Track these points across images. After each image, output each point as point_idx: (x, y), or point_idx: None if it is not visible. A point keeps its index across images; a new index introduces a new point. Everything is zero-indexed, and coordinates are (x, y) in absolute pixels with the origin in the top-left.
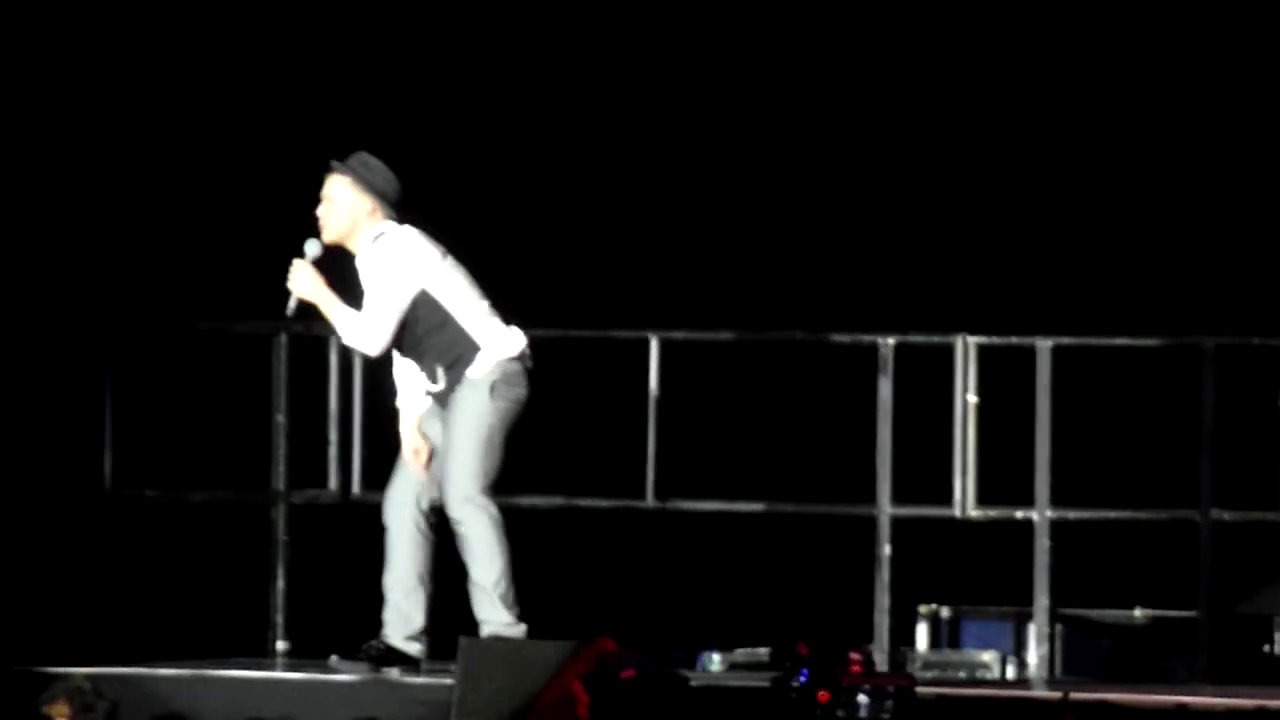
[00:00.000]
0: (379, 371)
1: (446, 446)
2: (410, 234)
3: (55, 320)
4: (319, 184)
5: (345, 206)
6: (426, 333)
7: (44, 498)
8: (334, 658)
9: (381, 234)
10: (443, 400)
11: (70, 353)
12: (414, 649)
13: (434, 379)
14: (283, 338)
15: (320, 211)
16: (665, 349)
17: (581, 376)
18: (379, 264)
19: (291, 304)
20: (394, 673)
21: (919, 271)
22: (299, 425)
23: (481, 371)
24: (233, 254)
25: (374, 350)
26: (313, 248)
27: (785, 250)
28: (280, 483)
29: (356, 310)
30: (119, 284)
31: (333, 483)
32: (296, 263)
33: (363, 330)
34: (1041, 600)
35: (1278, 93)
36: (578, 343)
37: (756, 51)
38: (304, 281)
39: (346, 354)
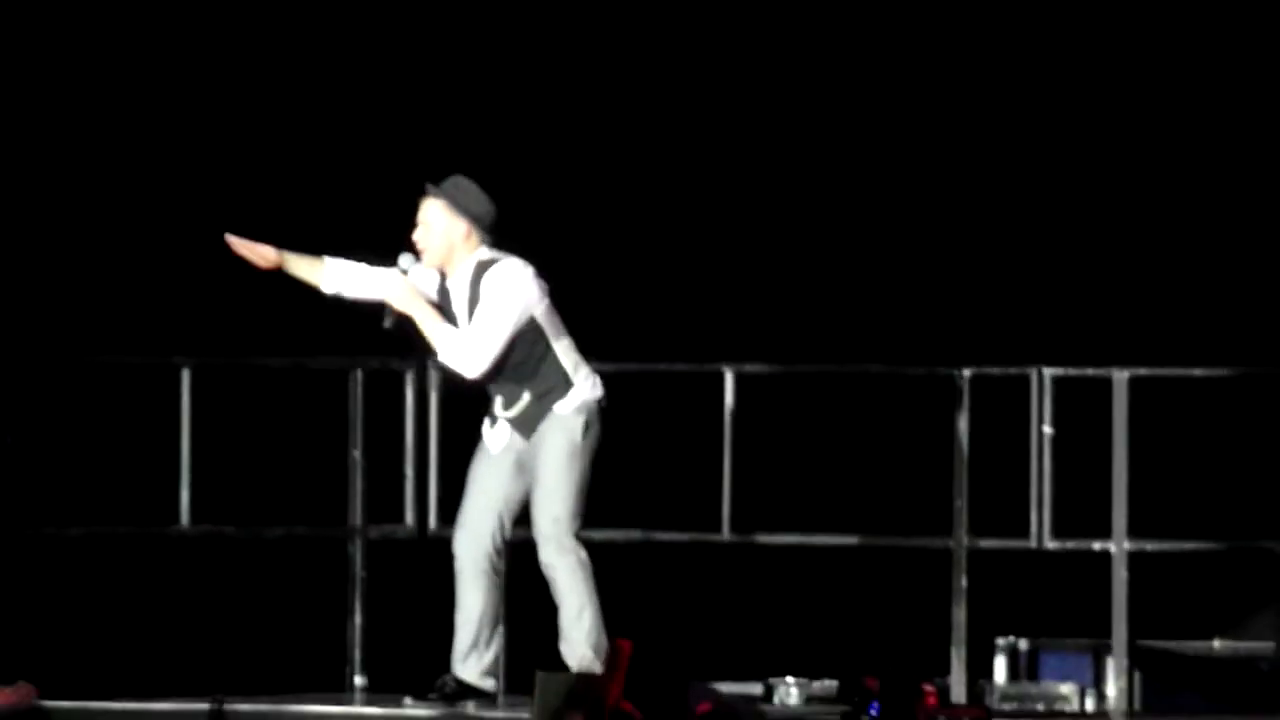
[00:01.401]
0: (456, 406)
1: (538, 487)
2: (524, 265)
3: (129, 358)
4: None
5: (440, 230)
6: (524, 361)
7: (120, 533)
8: (407, 699)
9: (495, 260)
10: (522, 428)
11: (146, 390)
12: (488, 684)
13: (512, 404)
14: (359, 373)
15: (416, 236)
16: (740, 382)
17: (657, 410)
18: (495, 289)
19: (389, 318)
20: (469, 708)
21: (995, 304)
22: (375, 461)
23: (571, 408)
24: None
25: (476, 371)
26: (407, 261)
27: (861, 282)
28: (357, 518)
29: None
30: (191, 320)
31: (409, 518)
32: (393, 270)
33: (468, 350)
34: (1120, 632)
35: None
36: (653, 376)
37: (831, 92)
38: (400, 295)
39: (423, 389)
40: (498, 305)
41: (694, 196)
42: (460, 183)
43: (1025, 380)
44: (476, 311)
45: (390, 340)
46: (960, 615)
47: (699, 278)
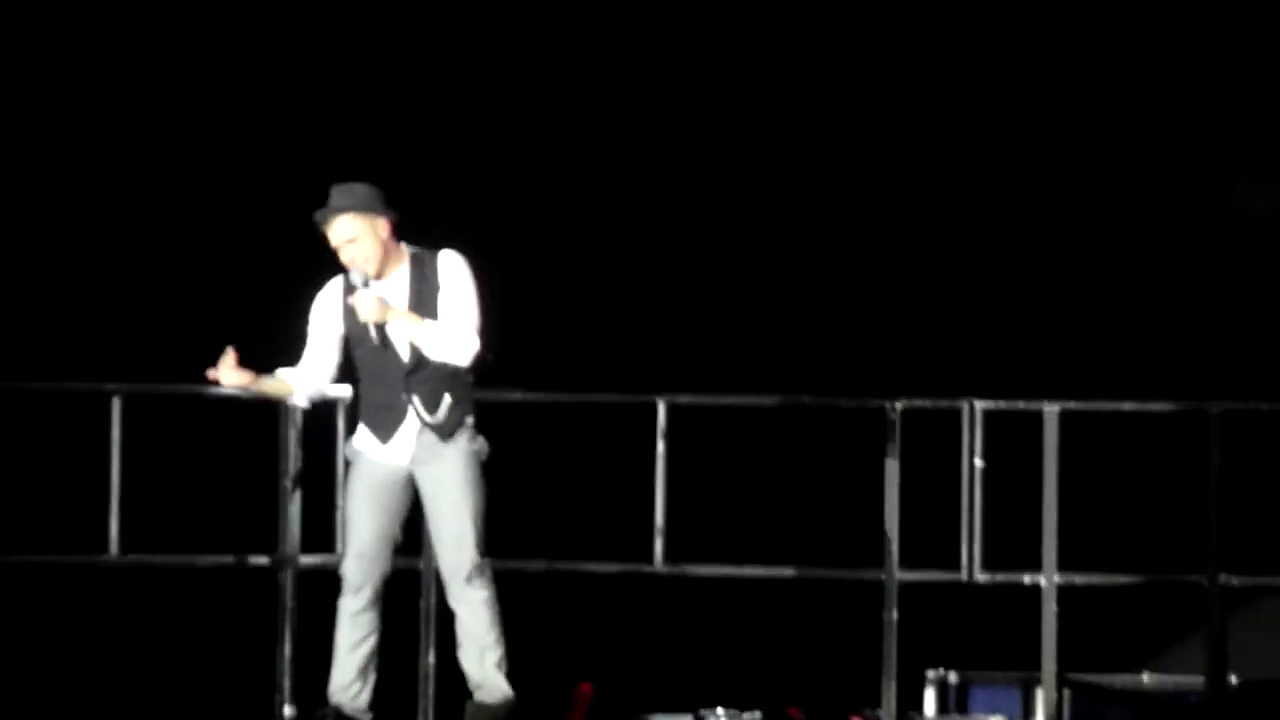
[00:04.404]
0: None
1: (451, 510)
2: None
3: (60, 385)
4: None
5: (370, 238)
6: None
7: (49, 562)
8: None
9: (433, 251)
10: (442, 432)
11: (74, 418)
12: (367, 718)
13: (434, 409)
14: (290, 401)
15: (349, 257)
16: (672, 413)
17: (589, 440)
18: (461, 275)
19: (374, 334)
20: None
21: (926, 337)
22: (307, 490)
23: (471, 426)
24: (240, 318)
25: (472, 357)
26: (360, 278)
27: (793, 315)
28: (288, 547)
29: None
30: (121, 345)
31: (340, 547)
32: (361, 293)
33: (463, 338)
34: (1049, 665)
35: None
36: (586, 407)
37: (762, 120)
38: (377, 307)
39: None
40: (470, 290)
41: (628, 228)
42: (353, 188)
43: (956, 413)
44: (451, 299)
45: None
46: (891, 647)
47: (633, 309)
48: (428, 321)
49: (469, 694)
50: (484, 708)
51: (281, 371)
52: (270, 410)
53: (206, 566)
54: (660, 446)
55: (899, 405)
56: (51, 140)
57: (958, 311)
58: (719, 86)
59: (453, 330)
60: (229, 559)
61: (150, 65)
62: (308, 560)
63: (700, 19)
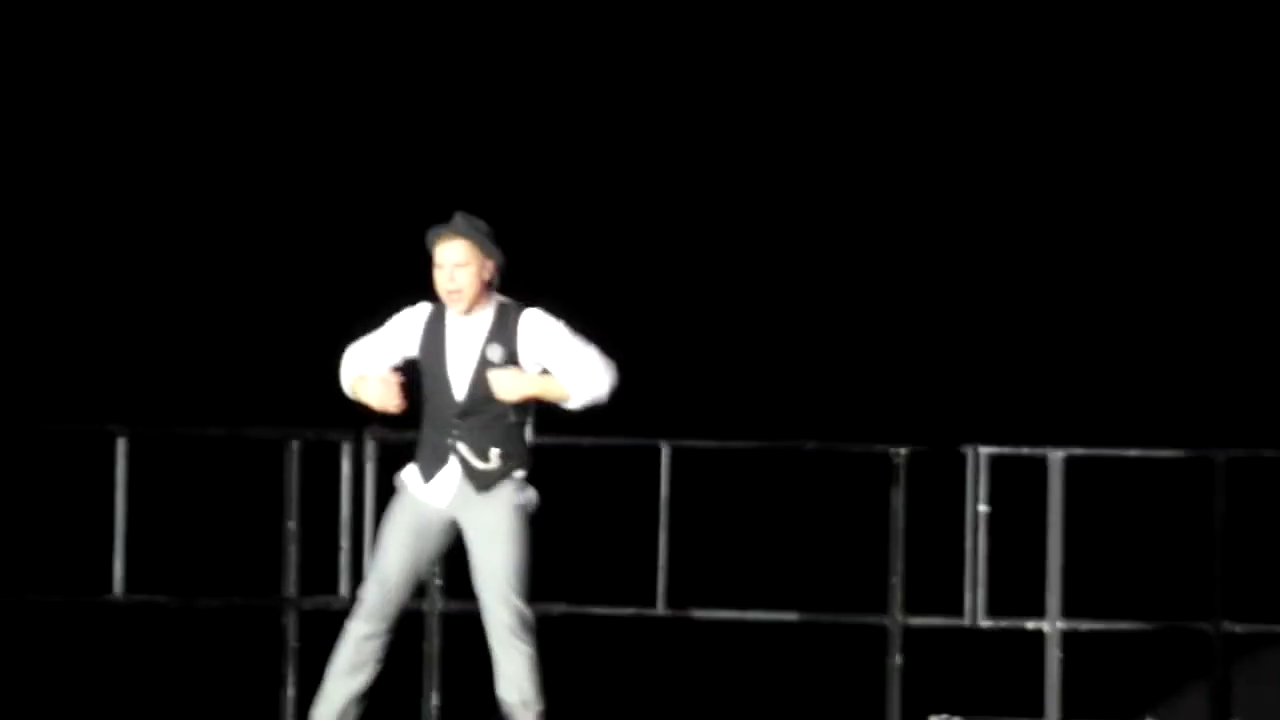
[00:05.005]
0: (392, 478)
1: (495, 564)
2: None
3: (66, 425)
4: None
5: (476, 274)
6: (506, 413)
7: (53, 602)
8: None
9: (521, 305)
10: (481, 481)
11: (81, 458)
12: None
13: (481, 456)
14: (295, 443)
15: (449, 282)
16: (677, 456)
17: (594, 483)
18: (554, 326)
19: (443, 371)
20: None
21: (931, 381)
22: (311, 531)
23: (524, 480)
24: (241, 358)
25: (615, 380)
26: (494, 351)
27: (798, 359)
28: (291, 589)
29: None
30: (128, 388)
31: (344, 589)
32: (496, 372)
33: (601, 367)
34: (1052, 711)
35: None
36: (591, 450)
37: (770, 155)
38: (514, 384)
39: (359, 459)
40: (566, 330)
41: (631, 269)
42: (477, 222)
43: (961, 458)
44: (557, 348)
45: (327, 410)
46: (894, 692)
47: (638, 352)
48: (555, 381)
49: None
50: None
51: (363, 370)
52: (274, 450)
53: (211, 607)
54: (664, 490)
55: (904, 450)
56: (60, 165)
57: (963, 356)
58: (712, 116)
59: (589, 368)
60: (233, 600)
61: (150, 80)
62: (311, 603)
63: (698, 41)
